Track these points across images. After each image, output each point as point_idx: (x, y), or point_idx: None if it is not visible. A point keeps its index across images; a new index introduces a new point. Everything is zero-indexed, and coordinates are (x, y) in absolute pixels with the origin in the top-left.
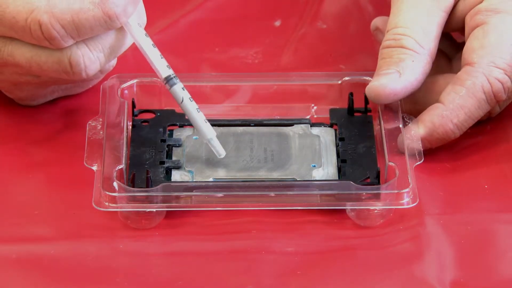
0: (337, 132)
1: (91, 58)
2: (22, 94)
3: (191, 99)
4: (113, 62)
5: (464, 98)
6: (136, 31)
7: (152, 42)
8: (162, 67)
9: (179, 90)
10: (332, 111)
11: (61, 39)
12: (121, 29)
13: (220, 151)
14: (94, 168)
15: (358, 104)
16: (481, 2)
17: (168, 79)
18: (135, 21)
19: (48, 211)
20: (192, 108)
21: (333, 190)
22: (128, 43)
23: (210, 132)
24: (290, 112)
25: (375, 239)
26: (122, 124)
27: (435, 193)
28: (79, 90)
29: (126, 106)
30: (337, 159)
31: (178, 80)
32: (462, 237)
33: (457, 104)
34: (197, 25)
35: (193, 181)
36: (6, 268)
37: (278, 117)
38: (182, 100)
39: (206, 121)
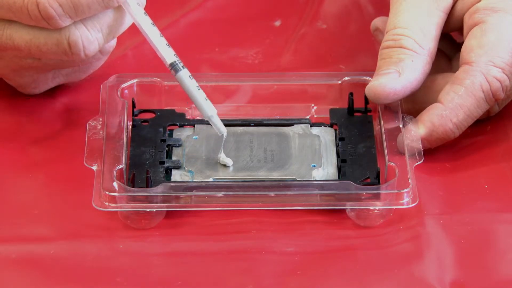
0: (337, 132)
1: (89, 38)
2: (22, 80)
3: (191, 76)
4: (113, 42)
5: (463, 97)
6: (135, 10)
7: (151, 21)
8: (162, 47)
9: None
10: (332, 111)
11: (58, 19)
12: (119, 9)
13: (222, 128)
14: (94, 168)
15: (358, 104)
16: (479, 1)
17: (173, 65)
18: (134, 0)
19: (48, 211)
20: (192, 86)
21: (333, 190)
22: (127, 23)
23: (210, 109)
24: (290, 112)
25: (375, 239)
26: (122, 124)
27: (435, 193)
28: (82, 75)
29: (126, 106)
30: (337, 159)
31: (178, 60)
32: (462, 237)
33: (456, 104)
34: (197, 25)
35: (193, 181)
36: (6, 268)
37: (278, 117)
38: (183, 79)
39: (207, 98)
